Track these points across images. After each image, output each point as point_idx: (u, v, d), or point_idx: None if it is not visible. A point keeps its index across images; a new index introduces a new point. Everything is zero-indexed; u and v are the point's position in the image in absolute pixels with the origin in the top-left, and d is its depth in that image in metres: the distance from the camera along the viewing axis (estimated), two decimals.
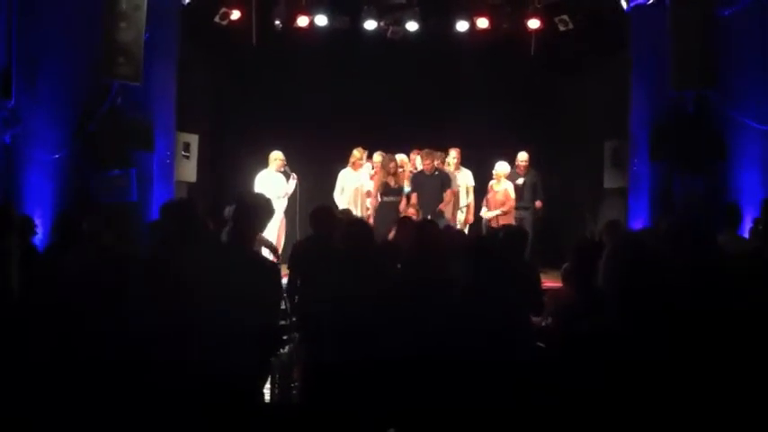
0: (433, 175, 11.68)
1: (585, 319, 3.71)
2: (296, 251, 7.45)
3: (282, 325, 7.45)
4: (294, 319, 6.95)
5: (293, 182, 12.08)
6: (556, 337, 4.84)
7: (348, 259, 5.43)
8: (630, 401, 3.54)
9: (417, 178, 11.87)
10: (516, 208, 12.54)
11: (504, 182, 12.53)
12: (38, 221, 7.86)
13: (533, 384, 3.95)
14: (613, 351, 3.47)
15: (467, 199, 12.76)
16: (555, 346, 4.24)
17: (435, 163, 11.97)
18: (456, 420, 4.11)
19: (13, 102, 8.59)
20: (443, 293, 4.72)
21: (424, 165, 11.79)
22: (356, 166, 12.50)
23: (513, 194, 12.51)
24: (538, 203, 12.77)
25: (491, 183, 12.62)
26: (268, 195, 11.42)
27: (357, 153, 12.50)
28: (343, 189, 12.36)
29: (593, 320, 3.63)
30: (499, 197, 12.44)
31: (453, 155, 12.70)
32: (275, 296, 5.48)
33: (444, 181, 11.76)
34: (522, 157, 12.88)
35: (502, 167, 12.59)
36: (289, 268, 7.41)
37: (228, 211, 5.69)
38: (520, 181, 12.71)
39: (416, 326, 4.52)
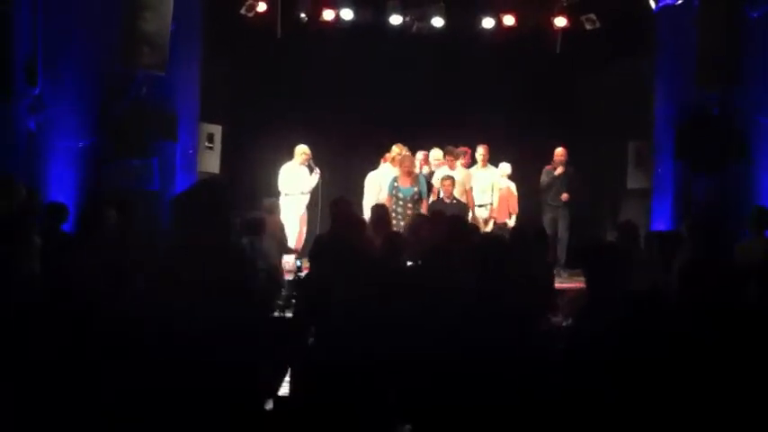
0: (451, 203, 11.07)
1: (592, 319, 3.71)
2: (317, 245, 7.44)
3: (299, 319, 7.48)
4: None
5: (316, 176, 12.07)
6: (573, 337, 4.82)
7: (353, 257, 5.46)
8: (638, 401, 3.53)
9: (436, 208, 10.85)
10: (553, 205, 12.54)
11: (504, 181, 12.81)
12: None
13: (541, 383, 3.94)
14: (621, 349, 3.46)
15: (491, 197, 12.64)
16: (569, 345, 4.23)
17: (458, 162, 11.99)
18: (463, 419, 4.10)
19: (38, 89, 8.63)
20: (448, 293, 4.74)
21: (443, 186, 11.23)
22: (396, 163, 11.70)
23: (515, 192, 12.84)
24: (564, 196, 12.42)
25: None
26: (292, 189, 11.72)
27: (397, 149, 11.91)
28: (381, 190, 11.63)
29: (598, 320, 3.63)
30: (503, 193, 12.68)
31: (481, 151, 12.60)
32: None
33: (462, 211, 11.11)
34: (559, 151, 12.64)
35: (504, 168, 12.85)
36: (310, 262, 7.41)
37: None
38: (558, 171, 12.52)
39: (418, 324, 4.52)
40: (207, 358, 3.95)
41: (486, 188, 12.56)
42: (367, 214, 10.95)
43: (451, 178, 11.33)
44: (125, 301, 4.28)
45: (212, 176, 11.80)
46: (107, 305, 4.32)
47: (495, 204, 12.68)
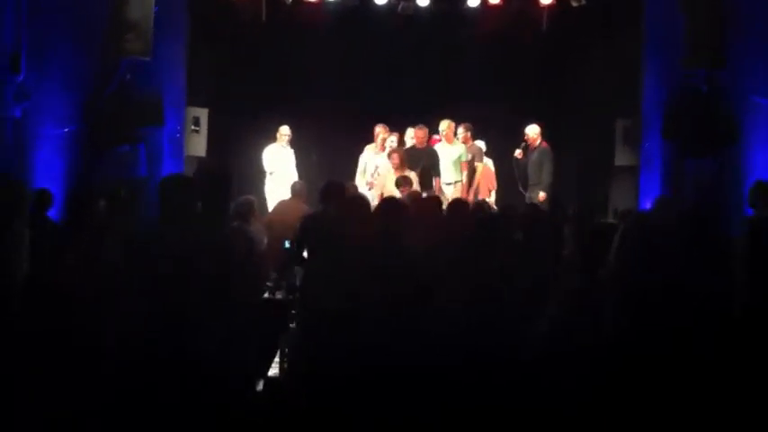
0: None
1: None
2: (304, 226, 7.36)
3: (289, 299, 7.48)
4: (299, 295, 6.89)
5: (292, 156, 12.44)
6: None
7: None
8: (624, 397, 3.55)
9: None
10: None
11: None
12: None
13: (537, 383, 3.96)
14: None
15: (460, 174, 12.19)
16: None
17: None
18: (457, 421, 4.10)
19: (22, 76, 8.55)
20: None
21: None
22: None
23: (492, 168, 12.59)
24: (541, 196, 11.88)
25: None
26: (277, 169, 11.85)
27: (380, 129, 12.26)
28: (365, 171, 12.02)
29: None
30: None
31: (443, 127, 12.25)
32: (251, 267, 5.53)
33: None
34: (527, 130, 12.37)
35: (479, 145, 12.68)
36: (296, 243, 7.34)
37: None
38: (517, 153, 12.33)
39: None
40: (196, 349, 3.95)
41: (449, 166, 12.08)
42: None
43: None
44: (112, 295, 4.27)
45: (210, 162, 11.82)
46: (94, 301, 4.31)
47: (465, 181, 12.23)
